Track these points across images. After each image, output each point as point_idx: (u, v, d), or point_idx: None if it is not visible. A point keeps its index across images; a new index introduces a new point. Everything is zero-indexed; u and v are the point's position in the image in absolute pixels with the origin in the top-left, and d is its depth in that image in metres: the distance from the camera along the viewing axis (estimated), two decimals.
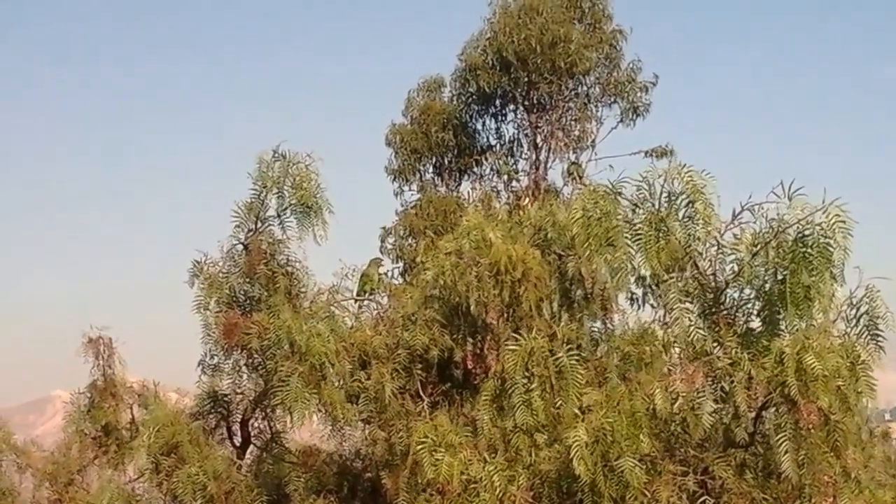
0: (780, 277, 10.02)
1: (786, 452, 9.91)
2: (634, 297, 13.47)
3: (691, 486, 10.41)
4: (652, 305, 13.04)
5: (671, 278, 10.28)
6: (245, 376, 15.15)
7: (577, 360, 10.59)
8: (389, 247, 26.23)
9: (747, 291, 10.50)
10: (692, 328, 10.18)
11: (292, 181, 13.79)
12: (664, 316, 11.98)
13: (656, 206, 10.15)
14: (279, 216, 14.08)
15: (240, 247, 14.41)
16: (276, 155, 13.81)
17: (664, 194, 10.13)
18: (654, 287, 12.72)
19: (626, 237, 10.19)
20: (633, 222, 10.29)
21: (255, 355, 14.37)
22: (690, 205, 10.03)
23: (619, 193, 10.21)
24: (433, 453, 11.03)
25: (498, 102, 26.62)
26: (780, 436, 9.99)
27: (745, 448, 10.84)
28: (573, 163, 26.16)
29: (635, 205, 10.25)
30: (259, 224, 14.20)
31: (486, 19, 26.00)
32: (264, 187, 13.89)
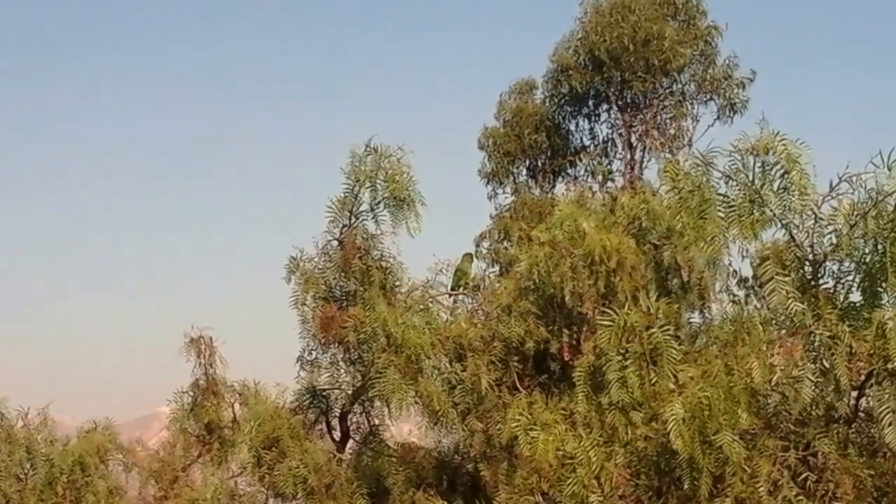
0: (880, 248, 9.75)
1: (889, 425, 9.59)
2: (736, 298, 13.30)
3: (792, 461, 10.19)
4: (756, 307, 12.85)
5: (768, 250, 10.07)
6: (342, 371, 15.26)
7: (672, 336, 10.45)
8: (484, 251, 26.27)
9: (847, 264, 10.25)
10: (790, 301, 9.96)
11: (385, 174, 13.87)
12: (763, 306, 11.77)
13: (750, 178, 9.97)
14: (372, 210, 14.16)
15: (334, 242, 14.53)
16: (368, 149, 13.92)
17: (758, 164, 9.95)
18: (756, 289, 12.53)
19: (720, 210, 10.04)
20: (727, 194, 10.13)
21: (352, 349, 14.50)
22: (785, 175, 9.82)
23: (711, 164, 10.05)
24: (528, 432, 11.02)
25: (591, 102, 26.63)
26: (883, 409, 9.68)
27: (848, 424, 10.58)
28: (669, 162, 25.85)
29: (728, 176, 10.09)
30: (353, 219, 14.31)
31: (578, 19, 26.02)
32: (357, 181, 13.98)
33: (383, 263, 14.52)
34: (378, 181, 13.95)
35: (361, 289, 14.37)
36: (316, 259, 14.68)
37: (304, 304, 14.61)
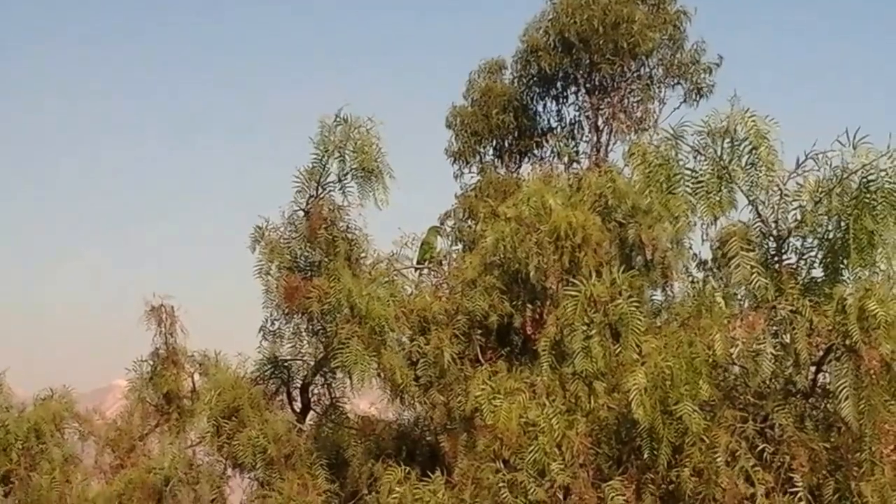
0: (843, 225, 9.88)
1: (846, 399, 9.74)
2: (695, 280, 13.39)
3: (750, 433, 10.31)
4: (713, 287, 12.95)
5: (733, 226, 10.17)
6: (305, 341, 15.23)
7: (637, 307, 10.51)
8: (448, 229, 26.22)
9: (810, 240, 10.37)
10: (753, 276, 10.06)
11: (354, 145, 13.81)
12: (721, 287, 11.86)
13: (718, 153, 10.03)
14: (340, 181, 14.10)
15: (301, 212, 14.46)
16: (338, 119, 13.84)
17: (727, 140, 10.02)
18: (714, 270, 12.62)
19: (688, 185, 10.10)
20: (695, 169, 10.20)
21: (316, 320, 14.47)
22: (753, 151, 9.90)
23: (681, 138, 10.10)
24: (491, 400, 11.06)
25: (559, 84, 26.53)
26: (840, 383, 9.81)
27: (806, 398, 10.72)
28: (634, 144, 25.91)
29: (697, 151, 10.15)
30: (320, 189, 14.24)
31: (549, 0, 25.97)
32: (326, 152, 13.91)
33: (349, 235, 14.49)
34: (347, 152, 13.89)
35: (326, 259, 14.33)
36: (281, 229, 14.63)
37: (269, 274, 14.55)
